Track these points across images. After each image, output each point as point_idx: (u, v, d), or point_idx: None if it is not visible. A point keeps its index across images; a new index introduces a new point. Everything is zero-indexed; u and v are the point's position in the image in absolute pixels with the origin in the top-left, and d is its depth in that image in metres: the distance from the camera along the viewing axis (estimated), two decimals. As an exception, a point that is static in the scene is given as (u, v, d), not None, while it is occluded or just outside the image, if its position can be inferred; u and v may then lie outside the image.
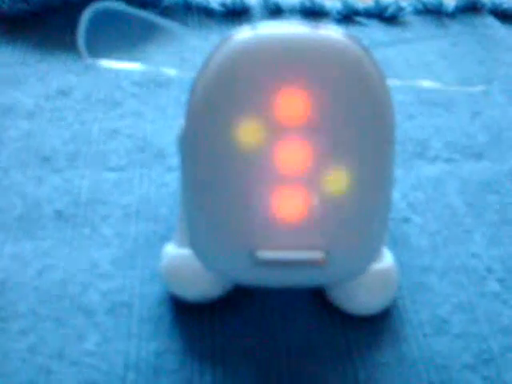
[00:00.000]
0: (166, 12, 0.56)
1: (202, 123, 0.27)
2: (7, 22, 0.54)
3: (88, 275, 0.34)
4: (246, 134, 0.26)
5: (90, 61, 0.29)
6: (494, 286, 0.34)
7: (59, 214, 0.38)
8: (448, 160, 0.42)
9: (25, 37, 0.53)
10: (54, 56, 0.51)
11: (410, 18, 0.58)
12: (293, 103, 0.27)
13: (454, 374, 0.30)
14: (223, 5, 0.57)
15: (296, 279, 0.29)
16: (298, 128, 0.27)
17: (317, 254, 0.28)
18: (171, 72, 0.31)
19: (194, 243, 0.29)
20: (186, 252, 0.31)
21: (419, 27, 0.57)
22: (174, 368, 0.30)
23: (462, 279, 0.35)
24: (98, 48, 0.29)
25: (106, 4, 0.29)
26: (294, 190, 0.27)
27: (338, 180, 0.27)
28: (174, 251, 0.32)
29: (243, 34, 0.27)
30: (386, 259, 0.32)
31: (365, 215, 0.29)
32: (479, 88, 0.31)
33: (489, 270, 0.35)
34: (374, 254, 0.30)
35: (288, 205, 0.28)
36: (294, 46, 0.26)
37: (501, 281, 0.35)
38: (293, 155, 0.27)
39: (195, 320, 0.32)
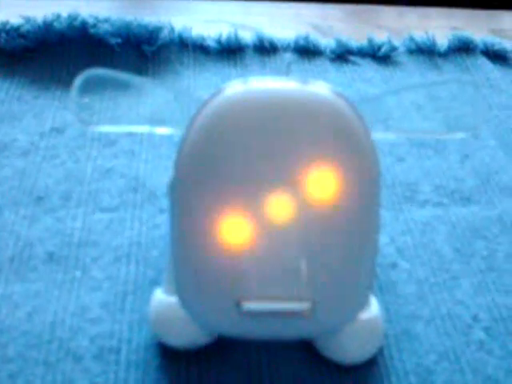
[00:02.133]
0: (161, 50, 0.57)
1: (188, 179, 0.27)
2: (4, 56, 0.55)
3: (77, 319, 0.34)
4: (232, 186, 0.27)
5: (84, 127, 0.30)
6: (479, 334, 0.35)
7: (51, 256, 0.38)
8: (437, 204, 0.43)
9: (22, 72, 0.54)
10: (49, 92, 0.52)
11: (403, 58, 0.59)
12: (280, 157, 0.27)
13: (438, 425, 0.30)
14: (218, 42, 0.58)
15: (282, 331, 0.29)
16: (286, 181, 0.27)
17: (303, 305, 0.28)
18: (162, 131, 0.32)
19: (179, 292, 0.30)
20: (174, 299, 0.31)
21: (412, 67, 0.58)
22: (160, 416, 0.30)
23: (447, 327, 0.35)
24: (90, 114, 0.30)
25: (96, 71, 0.30)
26: (281, 242, 0.28)
27: (324, 232, 0.28)
28: (162, 298, 0.32)
29: (232, 88, 0.28)
30: (373, 308, 0.33)
31: (351, 265, 0.29)
32: (467, 134, 0.32)
33: (475, 318, 0.36)
34: (361, 303, 0.31)
35: (275, 255, 0.28)
36: (282, 102, 0.27)
37: (486, 329, 0.35)
38: (280, 207, 0.27)
39: (182, 366, 0.32)
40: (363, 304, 0.30)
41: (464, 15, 0.71)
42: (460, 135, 0.32)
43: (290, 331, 0.29)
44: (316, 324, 0.29)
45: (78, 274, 0.37)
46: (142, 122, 0.31)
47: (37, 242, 0.39)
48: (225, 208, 0.27)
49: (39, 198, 0.42)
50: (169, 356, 0.33)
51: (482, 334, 0.35)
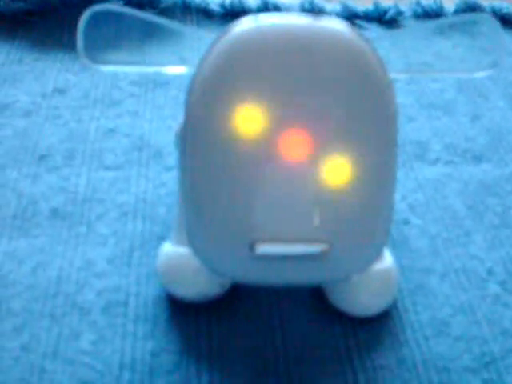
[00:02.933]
0: (164, 13, 0.56)
1: (201, 115, 0.26)
2: (4, 20, 0.54)
3: (83, 273, 0.34)
4: (246, 124, 0.26)
5: (89, 65, 0.29)
6: (494, 288, 0.34)
7: (55, 212, 0.37)
8: (448, 162, 0.42)
9: (22, 35, 0.53)
10: (51, 55, 0.51)
11: (410, 22, 0.58)
12: (295, 94, 0.26)
13: (455, 376, 0.30)
14: (222, 6, 0.57)
15: (296, 276, 0.28)
16: (300, 118, 0.26)
17: (317, 248, 0.27)
18: (173, 71, 0.31)
19: (191, 240, 0.29)
20: (183, 250, 0.30)
21: (418, 31, 0.57)
22: (170, 368, 0.29)
23: (462, 281, 0.34)
24: (96, 52, 0.29)
25: (103, 6, 0.29)
26: (296, 181, 0.27)
27: (341, 171, 0.27)
28: (171, 249, 0.31)
29: (243, 25, 0.27)
30: (386, 260, 0.32)
31: (368, 210, 0.28)
32: (488, 72, 0.31)
33: (489, 272, 0.35)
34: (376, 252, 0.30)
35: (289, 195, 0.27)
36: (296, 36, 0.26)
37: (501, 283, 0.34)
38: (294, 145, 0.26)
39: (192, 320, 0.31)
40: (379, 252, 0.30)
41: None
42: (481, 73, 0.31)
43: (304, 276, 0.29)
44: (330, 269, 0.28)
45: (82, 229, 0.36)
46: (152, 63, 0.30)
47: (40, 199, 0.38)
48: (237, 151, 0.26)
49: (42, 157, 0.41)
50: (178, 309, 0.32)
51: (497, 288, 0.34)
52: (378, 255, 0.29)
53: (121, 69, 0.30)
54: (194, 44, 0.30)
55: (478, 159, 0.43)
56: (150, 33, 0.30)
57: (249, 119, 0.26)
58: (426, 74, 0.35)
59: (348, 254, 0.28)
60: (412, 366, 0.30)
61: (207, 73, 0.26)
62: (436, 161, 0.42)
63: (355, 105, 0.26)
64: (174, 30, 0.30)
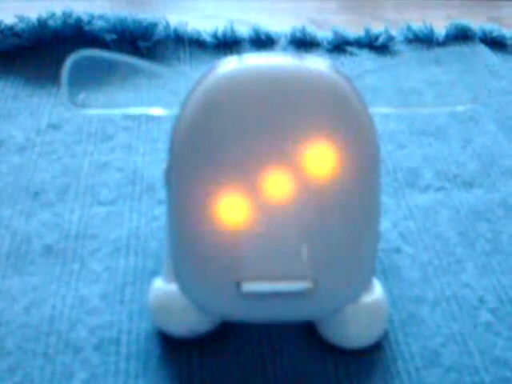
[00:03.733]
0: (157, 45, 0.56)
1: (184, 157, 0.27)
2: (-1, 56, 0.55)
3: (76, 311, 0.34)
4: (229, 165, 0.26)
5: (73, 109, 0.29)
6: (486, 316, 0.34)
7: (48, 249, 0.37)
8: (439, 189, 0.42)
9: (17, 71, 0.53)
10: (45, 90, 0.51)
11: (401, 47, 0.59)
12: (277, 133, 0.27)
13: (447, 407, 0.30)
14: (214, 36, 0.57)
15: (283, 312, 0.29)
16: (283, 158, 0.27)
17: (304, 284, 0.28)
18: (157, 112, 0.31)
19: (178, 277, 0.29)
20: (174, 287, 0.31)
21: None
22: (162, 405, 0.29)
23: (454, 310, 0.34)
24: (80, 96, 0.29)
25: (84, 52, 0.29)
26: (281, 220, 0.27)
27: (325, 208, 0.27)
28: (162, 286, 0.32)
29: (226, 66, 0.27)
30: (376, 291, 0.32)
31: (353, 244, 0.28)
32: (466, 107, 0.31)
33: (481, 300, 0.35)
34: (363, 284, 0.30)
35: (275, 235, 0.27)
36: (277, 78, 0.26)
37: (493, 311, 0.34)
38: (278, 185, 0.27)
39: (184, 355, 0.32)
40: (366, 285, 0.30)
41: (461, 5, 0.70)
42: (460, 107, 0.31)
43: (292, 312, 0.29)
44: (317, 304, 0.28)
45: (76, 266, 0.36)
46: (136, 104, 0.30)
47: (34, 236, 0.38)
48: (222, 186, 0.27)
49: (36, 193, 0.41)
50: (169, 346, 0.32)
51: (488, 316, 0.34)
52: (364, 288, 0.30)
53: (103, 112, 0.31)
54: (175, 84, 0.30)
55: (468, 185, 0.43)
56: (132, 74, 0.30)
57: (232, 159, 0.26)
58: (406, 110, 0.35)
59: (334, 290, 0.28)
60: (403, 398, 0.30)
61: (191, 114, 0.26)
62: (427, 187, 0.42)
63: (337, 143, 0.26)
64: (153, 71, 0.31)
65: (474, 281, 0.36)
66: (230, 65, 0.27)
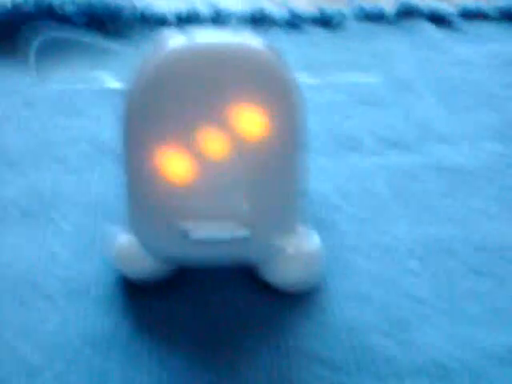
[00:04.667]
0: (125, 26, 0.60)
1: (135, 121, 0.31)
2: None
3: (50, 265, 0.38)
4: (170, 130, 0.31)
5: (40, 83, 0.33)
6: (413, 264, 0.39)
7: (24, 213, 0.41)
8: (378, 153, 0.47)
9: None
10: (20, 71, 0.55)
11: (351, 24, 0.63)
12: (214, 100, 0.31)
13: (374, 339, 0.34)
14: (178, 17, 0.61)
15: (226, 256, 0.34)
16: (218, 119, 0.31)
17: (242, 231, 0.33)
18: (115, 85, 0.35)
19: (133, 228, 0.34)
20: (133, 238, 0.35)
21: (359, 32, 0.62)
22: (124, 342, 0.34)
23: (385, 259, 0.39)
24: (47, 71, 0.33)
25: (51, 33, 0.33)
26: (218, 175, 0.32)
27: (257, 164, 0.32)
28: (122, 236, 0.36)
29: (173, 42, 0.32)
30: (314, 241, 0.37)
31: (282, 195, 0.33)
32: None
33: (410, 249, 0.40)
34: (291, 231, 0.35)
35: (213, 188, 0.32)
36: (216, 52, 0.31)
37: (420, 258, 0.39)
38: (214, 143, 0.31)
39: (144, 299, 0.36)
40: (293, 229, 0.35)
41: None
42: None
43: (232, 256, 0.34)
44: (254, 248, 0.33)
45: (49, 227, 0.40)
46: (96, 79, 0.34)
47: (11, 201, 0.42)
48: (166, 146, 0.31)
49: (11, 163, 0.45)
50: (131, 293, 0.36)
51: (415, 263, 0.39)
52: (292, 232, 0.35)
53: (67, 86, 0.35)
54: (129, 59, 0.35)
55: (406, 150, 0.47)
56: (91, 52, 0.34)
57: (174, 123, 0.31)
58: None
59: (267, 235, 0.34)
60: (336, 332, 0.35)
61: (141, 85, 0.31)
62: (368, 153, 0.47)
63: (265, 107, 0.31)
64: (110, 48, 0.35)
65: (405, 233, 0.41)
66: (175, 41, 0.31)
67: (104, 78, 0.36)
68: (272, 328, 0.35)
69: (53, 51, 0.33)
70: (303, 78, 0.33)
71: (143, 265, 0.35)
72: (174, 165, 0.31)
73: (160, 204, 0.32)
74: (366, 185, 0.44)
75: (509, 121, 0.51)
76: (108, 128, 0.49)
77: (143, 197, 0.32)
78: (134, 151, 0.31)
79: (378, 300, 0.36)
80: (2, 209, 0.42)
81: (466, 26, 0.64)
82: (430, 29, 0.62)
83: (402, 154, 0.47)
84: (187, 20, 0.61)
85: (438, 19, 0.64)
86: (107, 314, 0.35)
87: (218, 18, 0.62)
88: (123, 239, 0.36)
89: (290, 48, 0.59)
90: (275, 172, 0.32)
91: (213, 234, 0.32)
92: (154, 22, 0.62)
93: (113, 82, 0.36)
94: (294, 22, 0.62)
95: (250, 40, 0.32)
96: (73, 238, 0.40)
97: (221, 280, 0.37)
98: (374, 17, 0.63)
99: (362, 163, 0.46)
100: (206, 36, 0.32)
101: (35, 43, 0.33)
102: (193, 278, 0.37)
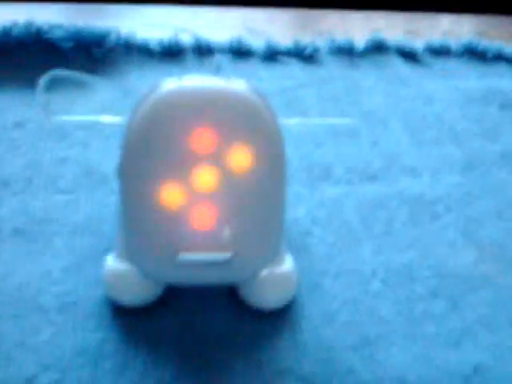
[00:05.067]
0: (110, 52, 0.63)
1: (134, 158, 0.35)
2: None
3: (42, 281, 0.41)
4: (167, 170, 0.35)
5: (49, 119, 0.37)
6: (376, 285, 0.42)
7: (17, 231, 0.44)
8: (347, 182, 0.51)
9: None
10: (9, 92, 0.58)
11: (326, 57, 0.67)
12: (204, 139, 0.35)
13: (338, 354, 0.38)
14: (161, 46, 0.65)
15: (211, 277, 0.37)
16: (208, 157, 0.35)
17: (225, 256, 0.36)
18: (107, 120, 0.39)
19: (129, 252, 0.37)
20: (124, 263, 0.38)
21: (333, 66, 0.66)
22: (112, 353, 0.37)
23: (350, 281, 0.43)
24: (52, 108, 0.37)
25: (55, 72, 0.36)
26: (208, 204, 0.36)
27: (242, 201, 0.36)
28: (113, 262, 0.39)
29: (168, 86, 0.35)
30: (288, 263, 0.40)
31: (264, 224, 0.37)
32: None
33: (373, 272, 0.43)
34: (272, 255, 0.38)
35: (202, 217, 0.36)
36: (207, 97, 0.35)
37: (383, 281, 0.43)
38: (206, 178, 0.35)
39: (132, 316, 0.39)
40: (274, 256, 0.38)
41: (382, 17, 0.79)
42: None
43: (217, 277, 0.37)
44: (236, 270, 0.37)
45: (40, 245, 0.43)
46: (94, 113, 0.38)
47: (4, 220, 0.45)
48: (163, 179, 0.35)
49: (5, 183, 0.48)
50: (120, 308, 0.39)
51: (378, 285, 0.42)
52: (272, 259, 0.38)
53: (72, 119, 0.38)
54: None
55: (373, 179, 0.51)
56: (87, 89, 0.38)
57: (170, 159, 0.34)
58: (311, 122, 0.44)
59: (249, 259, 0.37)
60: (304, 347, 0.38)
61: (139, 124, 0.35)
62: (338, 181, 0.51)
63: (251, 147, 0.35)
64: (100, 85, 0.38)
65: (370, 257, 0.44)
66: (170, 85, 0.35)
67: (94, 110, 0.39)
68: (247, 343, 0.38)
69: (57, 88, 0.36)
70: (280, 112, 0.37)
71: (133, 290, 0.39)
72: (169, 196, 0.35)
73: (155, 231, 0.35)
74: (335, 211, 0.48)
75: (469, 154, 0.55)
76: (94, 152, 0.52)
77: (139, 224, 0.35)
78: (132, 183, 0.35)
79: (344, 318, 0.40)
80: (-4, 226, 0.45)
81: (432, 61, 0.69)
82: (398, 63, 0.67)
83: (369, 183, 0.51)
84: (169, 48, 0.65)
85: (406, 54, 0.68)
86: (96, 327, 0.38)
87: (199, 48, 0.65)
88: (113, 266, 0.39)
89: (267, 78, 0.63)
90: (260, 202, 0.36)
91: (199, 256, 0.35)
92: (138, 49, 0.65)
93: (101, 116, 0.39)
94: (271, 54, 0.65)
95: (238, 85, 0.35)
96: (63, 255, 0.43)
97: (204, 298, 0.40)
98: (347, 50, 0.67)
99: (332, 191, 0.50)
100: (199, 81, 0.35)
101: (41, 82, 0.37)
102: (179, 299, 0.40)
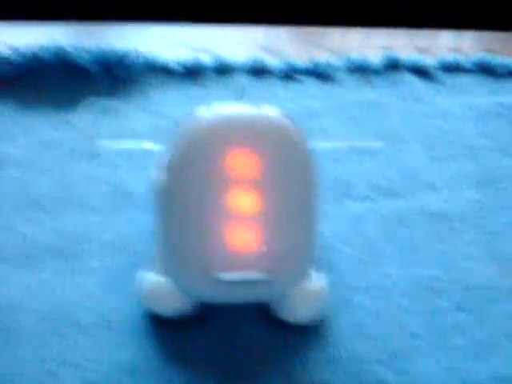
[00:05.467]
0: (132, 73, 0.65)
1: (175, 183, 0.37)
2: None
3: (79, 298, 0.42)
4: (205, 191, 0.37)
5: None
6: (403, 299, 0.44)
7: (54, 251, 0.46)
8: (370, 199, 0.52)
9: (13, 97, 0.61)
10: (38, 113, 0.59)
11: (342, 75, 0.68)
12: (243, 163, 0.36)
13: (369, 367, 0.39)
14: (182, 66, 0.66)
15: (248, 296, 0.39)
16: (248, 181, 0.37)
17: (262, 275, 0.38)
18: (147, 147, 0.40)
19: (170, 272, 0.39)
20: (162, 278, 0.40)
21: (349, 84, 0.67)
22: (154, 370, 0.38)
23: (378, 295, 0.44)
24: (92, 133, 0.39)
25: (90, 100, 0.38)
26: (245, 228, 0.37)
27: (278, 224, 0.37)
28: (153, 277, 0.41)
29: (205, 114, 0.37)
30: (320, 281, 0.42)
31: (298, 244, 0.39)
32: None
33: (399, 287, 0.45)
34: (304, 274, 0.40)
35: (241, 239, 0.37)
36: (244, 124, 0.37)
37: (409, 295, 0.44)
38: (243, 202, 0.36)
39: (168, 332, 0.41)
40: (307, 274, 0.40)
41: (391, 33, 0.81)
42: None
43: (254, 295, 0.39)
44: (272, 289, 0.39)
45: (76, 263, 0.45)
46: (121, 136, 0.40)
47: (41, 240, 0.47)
48: (204, 202, 0.37)
49: (39, 204, 0.50)
50: (156, 324, 0.41)
51: (403, 299, 0.44)
52: (305, 277, 0.40)
53: (111, 145, 0.40)
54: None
55: (394, 196, 0.53)
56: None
57: (210, 183, 0.36)
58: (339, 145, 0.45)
59: (284, 278, 0.39)
60: (336, 360, 0.39)
61: (180, 153, 0.37)
62: (360, 198, 0.52)
63: (286, 171, 0.36)
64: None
65: (395, 272, 0.46)
66: (207, 113, 0.37)
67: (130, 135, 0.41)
68: (282, 356, 0.40)
69: (95, 113, 0.38)
70: (304, 131, 0.39)
71: (171, 303, 0.40)
72: (209, 217, 0.36)
73: (193, 250, 0.37)
74: (360, 228, 0.49)
75: (484, 170, 0.57)
76: (123, 172, 0.53)
77: (179, 244, 0.38)
78: (174, 209, 0.37)
79: (375, 333, 0.41)
80: (32, 246, 0.46)
81: (444, 77, 0.70)
82: (412, 80, 0.68)
83: (390, 199, 0.52)
84: (191, 69, 0.66)
85: (419, 71, 0.69)
86: (133, 343, 0.40)
87: (219, 68, 0.67)
88: (152, 279, 0.40)
89: (286, 98, 0.64)
90: (296, 223, 0.38)
91: (238, 276, 0.37)
92: (158, 69, 0.67)
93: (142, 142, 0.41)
94: (289, 73, 0.67)
95: (270, 111, 0.38)
96: (98, 273, 0.44)
97: (239, 315, 0.42)
98: (361, 68, 0.69)
99: (355, 207, 0.51)
100: (234, 108, 0.38)
101: (79, 110, 0.39)
102: (213, 315, 0.41)
